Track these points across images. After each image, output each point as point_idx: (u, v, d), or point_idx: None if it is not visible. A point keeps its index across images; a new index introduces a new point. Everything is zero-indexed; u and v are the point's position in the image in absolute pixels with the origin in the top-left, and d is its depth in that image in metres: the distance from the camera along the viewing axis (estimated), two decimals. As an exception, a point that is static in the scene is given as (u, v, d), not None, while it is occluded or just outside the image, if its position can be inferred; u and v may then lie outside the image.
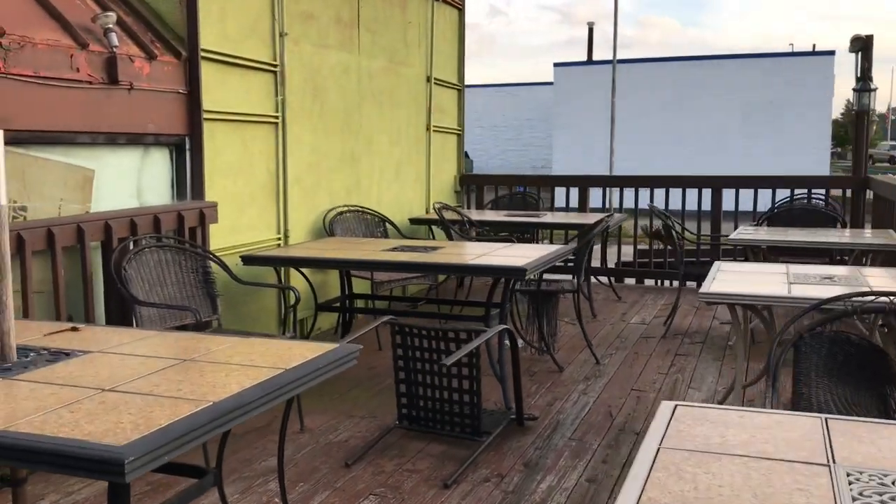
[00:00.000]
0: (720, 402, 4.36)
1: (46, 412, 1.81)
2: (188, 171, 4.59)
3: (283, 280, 5.24)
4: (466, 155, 38.85)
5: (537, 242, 7.86)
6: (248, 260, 4.58)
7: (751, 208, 7.64)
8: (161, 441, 1.66)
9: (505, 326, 3.68)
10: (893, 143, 72.91)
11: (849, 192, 7.49)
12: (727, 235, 5.92)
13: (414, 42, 7.42)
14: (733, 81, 28.17)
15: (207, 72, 4.68)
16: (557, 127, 30.99)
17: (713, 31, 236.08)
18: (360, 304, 5.89)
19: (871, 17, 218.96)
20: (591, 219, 6.84)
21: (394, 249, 4.76)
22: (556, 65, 31.28)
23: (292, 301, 4.03)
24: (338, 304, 5.28)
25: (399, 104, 7.19)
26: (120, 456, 1.55)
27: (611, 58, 26.40)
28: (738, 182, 7.81)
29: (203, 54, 4.61)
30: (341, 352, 2.42)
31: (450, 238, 6.33)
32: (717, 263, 4.12)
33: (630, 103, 27.94)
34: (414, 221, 7.17)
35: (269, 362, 2.26)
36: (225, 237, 4.86)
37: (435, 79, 7.80)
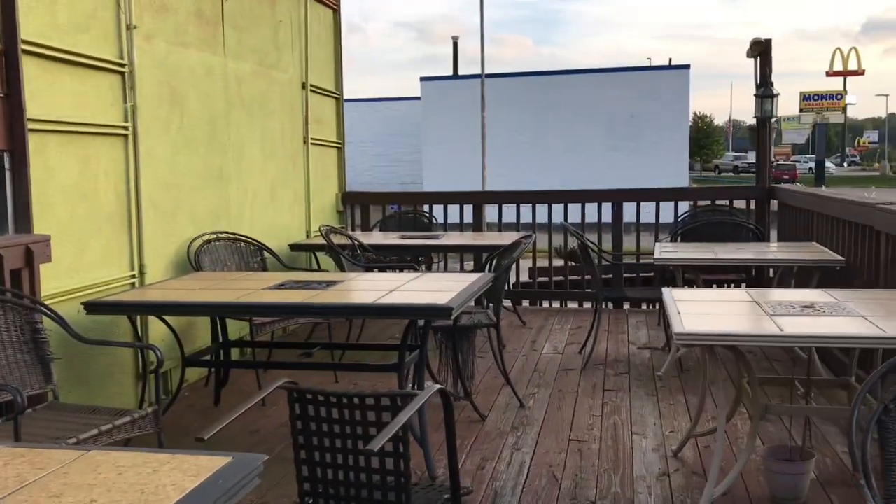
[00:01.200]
0: (676, 452, 3.75)
1: None
2: (8, 197, 3.56)
3: (140, 329, 4.25)
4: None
5: (430, 267, 7.14)
6: (92, 307, 3.60)
7: (650, 221, 7.27)
8: None
9: (440, 386, 2.90)
10: (737, 153, 77.62)
11: (752, 203, 7.21)
12: (650, 254, 5.42)
13: (286, 44, 6.55)
14: (596, 95, 28.69)
15: (32, 70, 3.68)
16: (427, 142, 30.59)
17: (565, 49, 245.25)
18: (236, 352, 4.96)
19: (712, 37, 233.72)
20: (497, 239, 6.19)
21: (281, 286, 3.89)
22: (422, 79, 30.93)
23: (153, 362, 3.10)
24: (209, 357, 4.34)
25: (272, 113, 6.31)
26: None
27: (473, 73, 26.23)
28: (641, 196, 7.39)
29: (25, 47, 3.61)
30: (237, 471, 1.60)
31: (340, 267, 5.50)
32: (668, 291, 3.52)
33: (498, 118, 27.87)
34: (295, 248, 6.28)
35: (123, 505, 1.41)
36: (62, 280, 3.85)
37: (311, 86, 6.95)
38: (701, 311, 3.15)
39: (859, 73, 57.13)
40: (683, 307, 3.15)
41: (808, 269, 4.94)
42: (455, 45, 33.51)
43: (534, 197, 7.51)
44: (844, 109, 57.48)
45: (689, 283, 5.27)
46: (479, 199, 7.62)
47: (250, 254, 5.41)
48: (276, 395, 3.18)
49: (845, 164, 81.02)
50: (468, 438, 4.02)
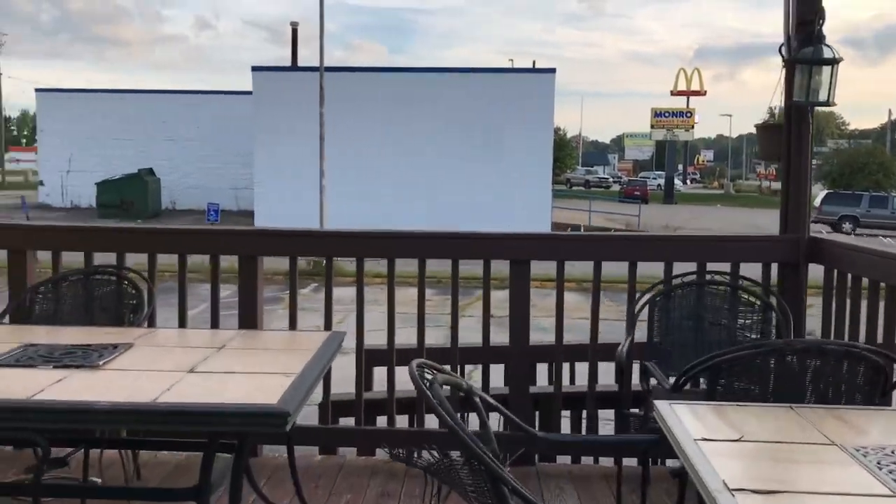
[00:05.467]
0: None
1: None
2: None
3: None
4: (151, 172, 32.66)
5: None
6: None
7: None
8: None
9: None
10: (588, 168, 77.43)
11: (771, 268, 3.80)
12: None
13: None
14: (453, 97, 25.45)
15: None
16: (259, 143, 26.29)
17: (420, 59, 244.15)
18: None
19: (559, 56, 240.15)
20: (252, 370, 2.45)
21: None
22: (254, 69, 26.56)
23: None
24: None
25: None
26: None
27: (315, 66, 22.22)
28: (574, 247, 3.85)
29: None
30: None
31: None
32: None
33: (341, 117, 24.06)
34: None
35: None
36: None
37: None
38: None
39: (701, 93, 57.64)
40: None
41: None
42: (294, 31, 29.24)
43: (368, 245, 3.78)
44: (692, 127, 57.94)
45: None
46: (247, 247, 3.78)
47: None
48: None
49: (688, 182, 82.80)
50: None
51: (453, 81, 25.88)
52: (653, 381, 3.19)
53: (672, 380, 3.39)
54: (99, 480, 3.46)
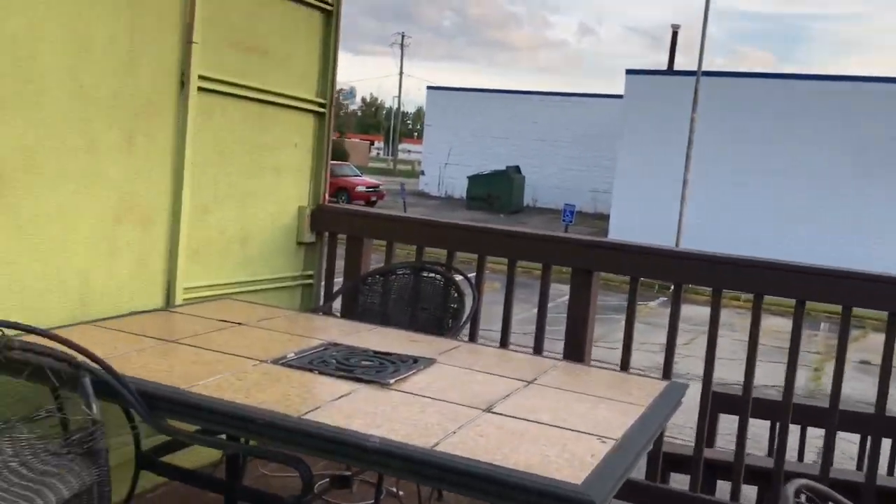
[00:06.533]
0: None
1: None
2: None
3: None
4: (518, 170, 33.90)
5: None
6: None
7: None
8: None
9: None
10: None
11: None
12: None
13: None
14: (845, 110, 22.54)
15: None
16: (624, 146, 25.78)
17: (810, 69, 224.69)
18: None
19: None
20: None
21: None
22: (628, 72, 26.05)
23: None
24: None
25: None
26: None
27: (698, 71, 20.93)
28: None
29: None
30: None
31: None
32: None
33: (714, 125, 22.61)
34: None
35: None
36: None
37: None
38: None
39: None
40: None
41: None
42: (674, 35, 28.13)
43: (734, 275, 3.06)
44: None
45: None
46: (580, 260, 3.25)
47: None
48: None
49: None
50: None
51: (847, 91, 22.93)
52: None
53: None
54: (400, 492, 3.23)
